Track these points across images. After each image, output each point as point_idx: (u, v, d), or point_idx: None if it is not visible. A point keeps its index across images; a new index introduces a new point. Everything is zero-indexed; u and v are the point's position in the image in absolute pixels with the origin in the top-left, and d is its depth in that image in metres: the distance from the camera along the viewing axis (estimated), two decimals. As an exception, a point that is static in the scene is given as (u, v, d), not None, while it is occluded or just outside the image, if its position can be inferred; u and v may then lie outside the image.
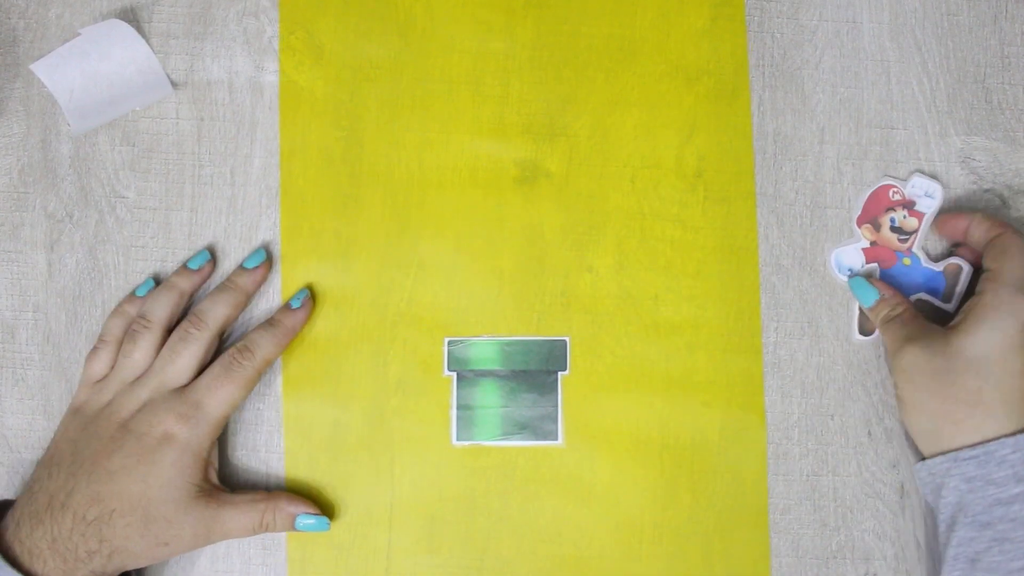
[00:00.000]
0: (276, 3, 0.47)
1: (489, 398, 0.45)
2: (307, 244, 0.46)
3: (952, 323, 0.41)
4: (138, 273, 0.45)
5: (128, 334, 0.42)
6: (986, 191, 0.46)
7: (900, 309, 0.42)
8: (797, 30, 0.47)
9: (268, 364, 0.43)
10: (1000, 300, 0.39)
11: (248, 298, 0.44)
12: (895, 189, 0.46)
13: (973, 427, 0.39)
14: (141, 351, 0.41)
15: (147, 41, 0.46)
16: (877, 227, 0.45)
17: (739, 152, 0.47)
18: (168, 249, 0.45)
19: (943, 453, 0.40)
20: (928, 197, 0.45)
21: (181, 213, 0.46)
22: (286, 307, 0.44)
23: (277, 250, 0.46)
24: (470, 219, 0.46)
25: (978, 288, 0.41)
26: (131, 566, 0.40)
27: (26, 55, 0.46)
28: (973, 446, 0.38)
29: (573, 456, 0.45)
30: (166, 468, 0.39)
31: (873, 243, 0.45)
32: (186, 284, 0.44)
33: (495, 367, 0.45)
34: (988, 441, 0.38)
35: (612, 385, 0.45)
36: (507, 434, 0.45)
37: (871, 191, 0.46)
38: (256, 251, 0.45)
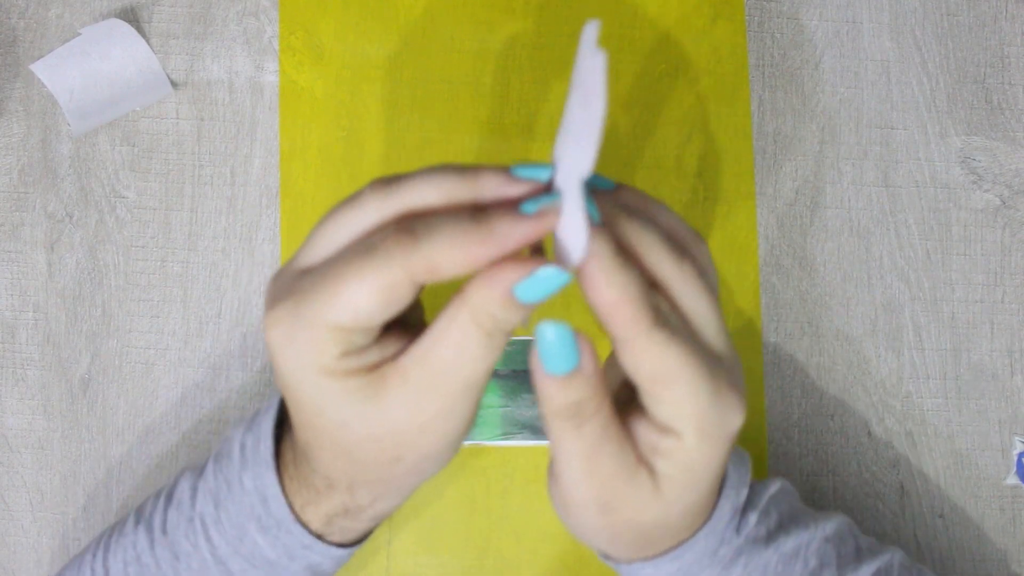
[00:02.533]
0: (276, 3, 0.47)
1: (489, 398, 0.45)
2: (307, 244, 0.46)
3: (655, 472, 0.28)
4: (138, 273, 0.45)
5: None
6: (985, 191, 0.47)
7: (596, 409, 0.27)
8: (797, 30, 0.47)
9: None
10: (710, 450, 0.27)
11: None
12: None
13: (673, 541, 0.31)
14: None
15: (147, 41, 0.46)
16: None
17: (739, 152, 0.47)
18: (168, 249, 0.45)
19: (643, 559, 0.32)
20: None
21: (181, 213, 0.46)
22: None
23: (277, 249, 0.46)
24: (470, 219, 0.46)
25: (662, 416, 0.27)
26: (382, 505, 0.31)
27: (26, 55, 0.46)
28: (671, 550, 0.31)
29: (573, 456, 0.45)
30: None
31: None
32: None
33: (495, 367, 0.45)
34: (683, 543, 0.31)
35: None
36: (507, 434, 0.45)
37: None
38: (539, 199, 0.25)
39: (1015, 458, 0.45)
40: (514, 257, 0.25)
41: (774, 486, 0.36)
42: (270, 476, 0.32)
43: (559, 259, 0.26)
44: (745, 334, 0.45)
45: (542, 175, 0.26)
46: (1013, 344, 0.46)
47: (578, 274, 0.25)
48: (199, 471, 0.35)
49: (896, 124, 0.47)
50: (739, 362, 0.29)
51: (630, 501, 0.28)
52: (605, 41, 0.47)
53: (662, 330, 0.25)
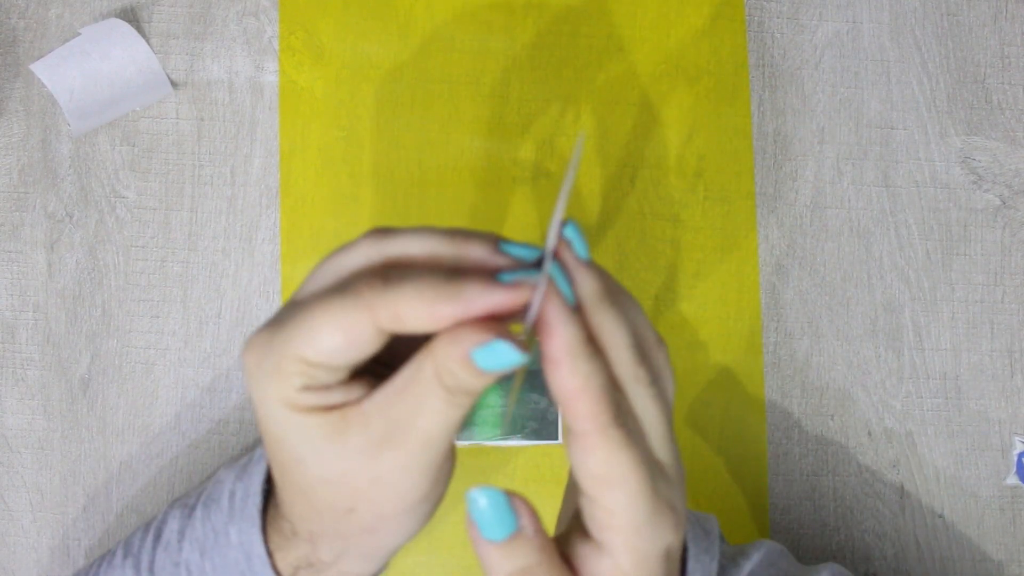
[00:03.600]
0: (276, 3, 0.47)
1: (489, 398, 0.45)
2: (307, 244, 0.46)
3: None
4: (138, 273, 0.45)
5: None
6: (985, 191, 0.47)
7: (546, 571, 0.27)
8: (797, 30, 0.47)
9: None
10: (644, 571, 0.27)
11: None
12: None
13: None
14: None
15: (147, 41, 0.46)
16: None
17: (739, 152, 0.47)
18: (168, 249, 0.45)
19: None
20: None
21: (181, 213, 0.46)
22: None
23: (277, 249, 0.46)
24: (470, 219, 0.46)
25: (594, 527, 0.27)
26: (347, 566, 0.30)
27: (26, 55, 0.46)
28: None
29: (573, 456, 0.45)
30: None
31: None
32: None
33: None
34: None
35: (612, 385, 0.45)
36: (508, 433, 0.45)
37: None
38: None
39: (1015, 458, 0.45)
40: (483, 321, 0.25)
41: (756, 555, 0.35)
42: (255, 534, 0.31)
43: (528, 333, 0.26)
44: (745, 334, 0.45)
45: (528, 255, 0.26)
46: (1013, 344, 0.46)
47: (544, 356, 0.25)
48: (188, 510, 0.35)
49: (896, 124, 0.47)
50: (683, 477, 0.28)
51: None
52: (605, 41, 0.47)
53: (618, 429, 0.25)
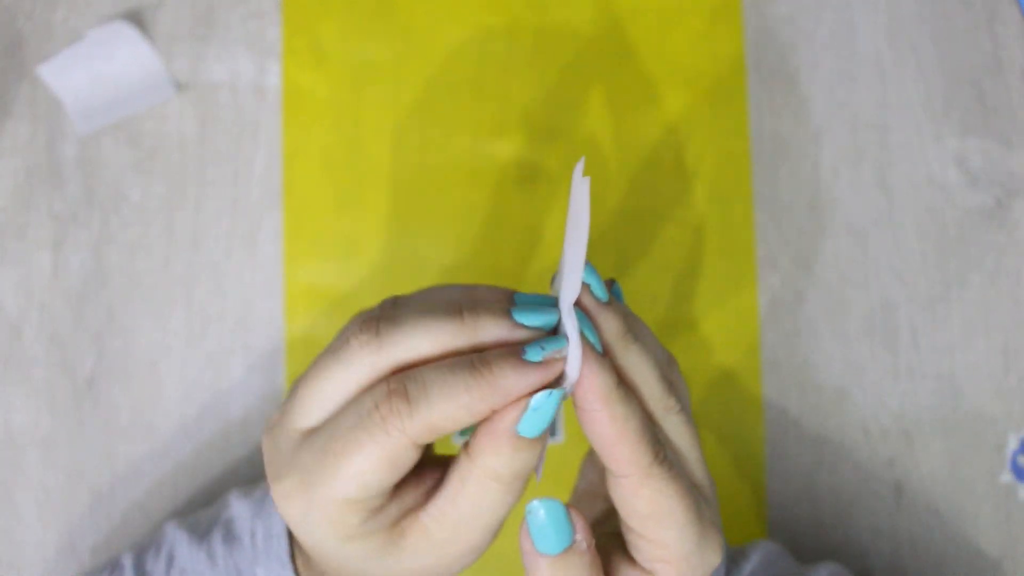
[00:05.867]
0: (279, 6, 0.47)
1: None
2: (309, 245, 0.46)
3: None
4: (142, 273, 0.46)
5: None
6: (981, 193, 0.47)
7: None
8: (794, 32, 0.48)
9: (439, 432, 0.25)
10: None
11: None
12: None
13: None
14: None
15: (151, 44, 0.46)
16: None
17: (737, 153, 0.47)
18: (171, 249, 0.46)
19: None
20: None
21: (184, 214, 0.46)
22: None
23: (279, 250, 0.46)
24: (471, 219, 0.46)
25: (643, 558, 0.27)
26: None
27: (32, 58, 0.46)
28: None
29: (574, 454, 0.45)
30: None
31: None
32: None
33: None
34: None
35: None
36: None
37: None
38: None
39: (1009, 456, 0.46)
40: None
41: (755, 556, 0.34)
42: (288, 575, 0.31)
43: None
44: (742, 334, 0.46)
45: (545, 320, 0.25)
46: (1008, 343, 0.46)
47: (579, 408, 0.25)
48: (198, 537, 0.35)
49: (892, 126, 0.47)
50: (715, 490, 0.28)
51: None
52: (604, 43, 0.47)
53: (660, 467, 0.25)
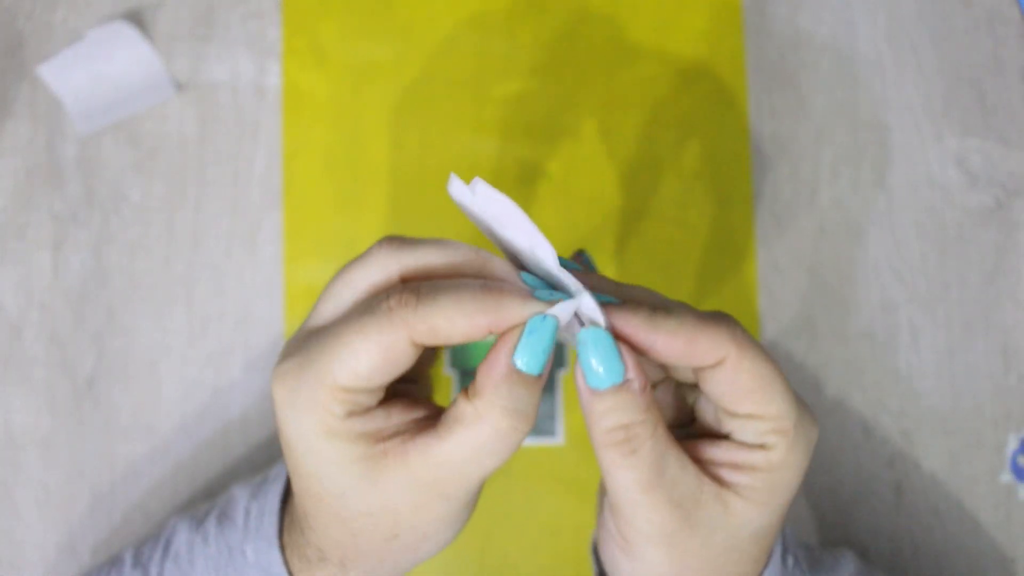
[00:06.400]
0: (279, 6, 0.47)
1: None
2: (310, 245, 0.46)
3: (724, 479, 0.27)
4: (142, 273, 0.46)
5: None
6: (980, 193, 0.47)
7: (651, 431, 0.26)
8: (794, 33, 0.48)
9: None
10: (797, 459, 0.27)
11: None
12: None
13: None
14: None
15: (151, 44, 0.46)
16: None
17: (737, 153, 0.47)
18: (172, 249, 0.46)
19: None
20: None
21: (185, 214, 0.46)
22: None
23: (279, 250, 0.46)
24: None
25: (753, 437, 0.27)
26: None
27: (32, 58, 0.46)
28: None
29: (573, 454, 0.45)
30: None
31: None
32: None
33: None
34: None
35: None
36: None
37: None
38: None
39: (1009, 456, 0.46)
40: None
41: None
42: (274, 553, 0.31)
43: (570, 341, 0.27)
44: (743, 333, 0.46)
45: (552, 295, 0.26)
46: (1007, 343, 0.46)
47: (641, 347, 0.25)
48: (196, 522, 0.35)
49: (892, 126, 0.47)
50: None
51: (699, 526, 0.26)
52: (604, 43, 0.47)
53: (745, 338, 0.25)
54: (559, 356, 0.45)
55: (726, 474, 0.26)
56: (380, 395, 0.26)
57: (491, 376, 0.25)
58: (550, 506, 0.45)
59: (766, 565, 0.29)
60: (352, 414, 0.25)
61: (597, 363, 0.25)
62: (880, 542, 0.45)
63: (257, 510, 0.33)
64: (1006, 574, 0.45)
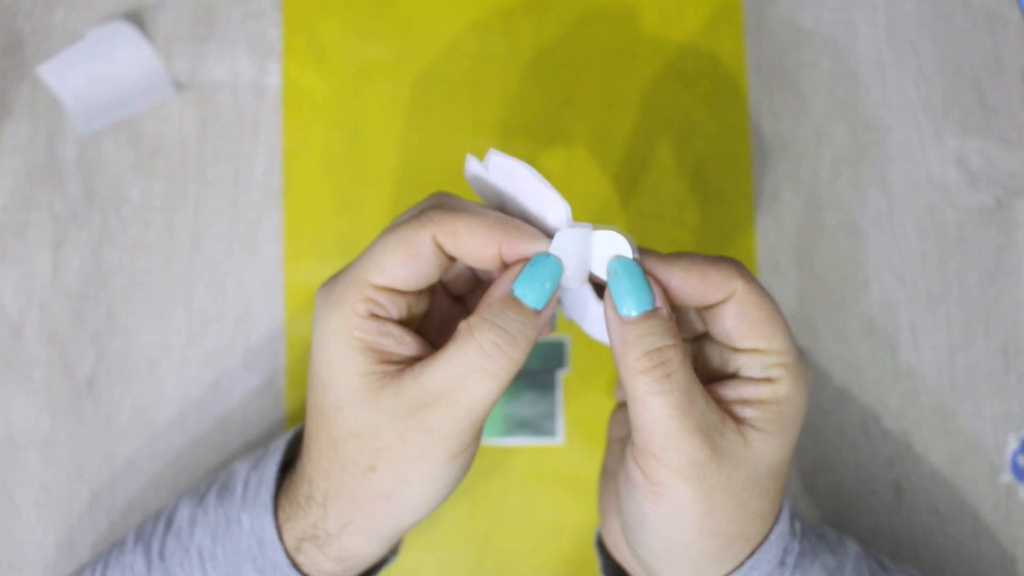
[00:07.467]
0: (279, 6, 0.47)
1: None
2: (309, 245, 0.46)
3: (737, 415, 0.28)
4: (142, 273, 0.46)
5: None
6: (980, 193, 0.47)
7: (681, 358, 0.27)
8: (794, 32, 0.48)
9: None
10: (800, 393, 0.28)
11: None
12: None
13: (757, 536, 0.29)
14: None
15: (151, 43, 0.46)
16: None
17: (737, 153, 0.47)
18: (171, 249, 0.46)
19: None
20: None
21: (184, 214, 0.46)
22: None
23: (279, 250, 0.46)
24: (471, 220, 0.46)
25: (760, 371, 0.28)
26: (350, 540, 0.30)
27: (32, 58, 0.47)
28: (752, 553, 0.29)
29: (573, 454, 0.45)
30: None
31: None
32: None
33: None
34: (760, 545, 0.30)
35: (612, 383, 0.45)
36: (507, 432, 0.45)
37: None
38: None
39: (1009, 456, 0.46)
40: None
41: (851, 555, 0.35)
42: (267, 519, 0.32)
43: (572, 316, 0.31)
44: (743, 333, 0.46)
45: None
46: (1008, 343, 0.46)
47: (656, 277, 0.28)
48: (199, 497, 0.36)
49: (892, 126, 0.47)
50: None
51: (725, 457, 0.27)
52: (604, 43, 0.47)
53: (749, 276, 0.28)
54: (560, 356, 0.45)
55: (738, 410, 0.28)
56: (403, 310, 0.28)
57: (488, 298, 0.27)
58: (550, 506, 0.45)
59: (776, 521, 0.30)
60: (373, 315, 0.27)
61: (628, 290, 0.27)
62: (880, 542, 0.45)
63: (255, 480, 0.34)
64: (1006, 574, 0.45)
